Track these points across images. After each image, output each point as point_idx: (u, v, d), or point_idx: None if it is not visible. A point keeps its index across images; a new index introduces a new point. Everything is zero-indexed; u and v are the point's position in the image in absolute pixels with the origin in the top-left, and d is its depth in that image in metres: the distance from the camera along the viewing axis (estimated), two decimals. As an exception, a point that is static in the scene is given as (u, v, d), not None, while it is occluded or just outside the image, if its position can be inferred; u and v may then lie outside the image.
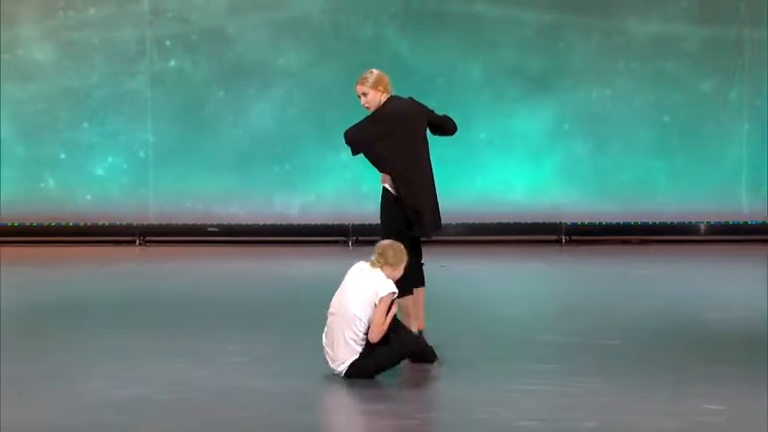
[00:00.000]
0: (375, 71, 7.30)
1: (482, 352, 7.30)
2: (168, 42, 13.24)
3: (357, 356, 6.38)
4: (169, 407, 5.92)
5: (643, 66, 13.13)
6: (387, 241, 6.59)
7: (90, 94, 13.33)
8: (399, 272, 6.50)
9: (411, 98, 7.57)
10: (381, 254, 6.48)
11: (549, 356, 7.03)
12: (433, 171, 7.59)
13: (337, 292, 6.50)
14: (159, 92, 13.28)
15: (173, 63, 13.27)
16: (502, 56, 13.08)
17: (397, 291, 6.45)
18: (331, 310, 6.47)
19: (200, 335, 7.78)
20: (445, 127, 7.61)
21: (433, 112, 7.57)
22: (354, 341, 6.38)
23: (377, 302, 6.39)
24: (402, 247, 6.55)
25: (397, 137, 7.33)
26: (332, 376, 6.44)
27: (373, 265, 6.48)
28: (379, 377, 6.46)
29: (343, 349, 6.36)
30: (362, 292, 6.41)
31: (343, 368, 6.39)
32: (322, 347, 6.50)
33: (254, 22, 13.25)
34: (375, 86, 7.23)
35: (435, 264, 9.24)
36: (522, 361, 6.89)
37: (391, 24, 13.11)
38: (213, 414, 5.80)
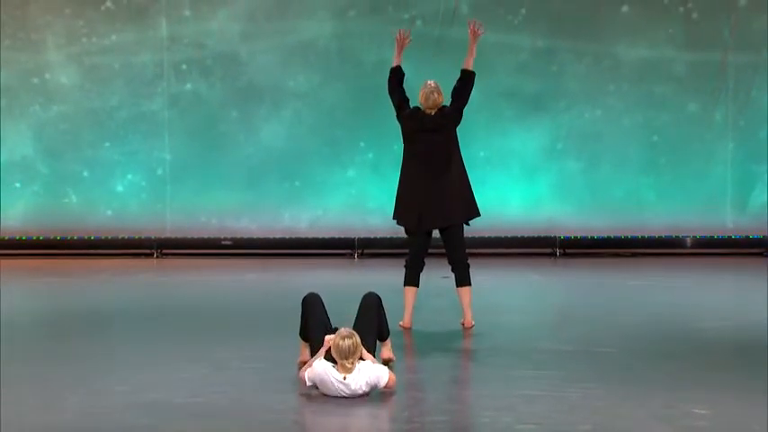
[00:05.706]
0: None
1: (482, 358, 7.31)
2: (184, 66, 13.27)
3: None
4: (191, 410, 5.94)
5: (632, 88, 13.15)
6: (329, 339, 6.19)
7: (111, 116, 13.35)
8: (360, 347, 6.10)
9: (440, 108, 8.47)
10: (346, 356, 6.04)
11: (546, 363, 7.04)
12: (459, 178, 8.43)
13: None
14: (176, 113, 13.31)
15: (189, 86, 13.30)
16: (498, 79, 13.08)
17: (389, 372, 6.24)
18: (338, 394, 6.15)
19: (218, 342, 7.78)
20: (461, 98, 8.64)
21: (449, 107, 8.49)
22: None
23: (384, 388, 6.19)
24: (338, 332, 6.13)
25: (411, 143, 8.38)
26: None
27: (349, 370, 6.10)
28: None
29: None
30: (367, 390, 6.19)
31: None
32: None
33: (266, 47, 13.29)
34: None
35: (437, 275, 9.30)
36: (521, 367, 6.90)
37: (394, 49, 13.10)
38: (234, 417, 5.82)
